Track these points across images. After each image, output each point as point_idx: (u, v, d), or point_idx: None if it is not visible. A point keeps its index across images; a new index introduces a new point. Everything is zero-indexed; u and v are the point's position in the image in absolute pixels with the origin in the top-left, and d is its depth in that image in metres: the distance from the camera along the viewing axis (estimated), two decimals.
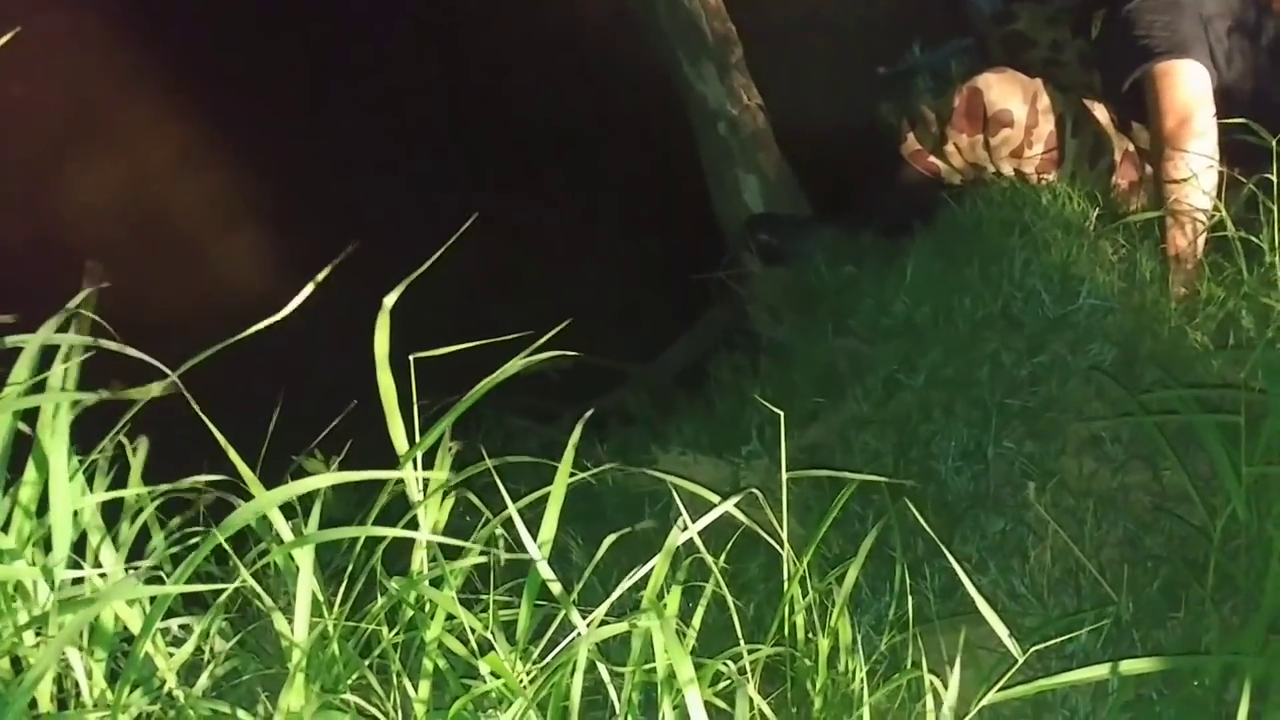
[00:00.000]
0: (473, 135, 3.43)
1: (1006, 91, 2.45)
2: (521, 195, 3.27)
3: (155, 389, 1.22)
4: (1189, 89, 2.23)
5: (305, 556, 1.23)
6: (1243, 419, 1.32)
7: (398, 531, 1.20)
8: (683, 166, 2.94)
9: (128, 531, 1.33)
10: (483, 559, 1.23)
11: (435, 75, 3.49)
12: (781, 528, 1.32)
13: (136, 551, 1.34)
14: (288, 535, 1.25)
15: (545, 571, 1.23)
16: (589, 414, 1.47)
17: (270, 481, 1.32)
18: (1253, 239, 2.15)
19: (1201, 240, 2.24)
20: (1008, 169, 2.52)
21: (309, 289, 1.25)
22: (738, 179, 2.85)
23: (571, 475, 1.28)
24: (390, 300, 1.22)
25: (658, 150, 3.13)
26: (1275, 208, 2.10)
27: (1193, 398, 1.51)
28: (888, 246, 2.53)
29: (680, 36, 2.89)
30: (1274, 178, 2.06)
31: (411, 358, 1.21)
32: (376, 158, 3.47)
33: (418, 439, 1.25)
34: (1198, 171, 2.20)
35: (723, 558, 1.34)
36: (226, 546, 1.19)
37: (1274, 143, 2.05)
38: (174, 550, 1.29)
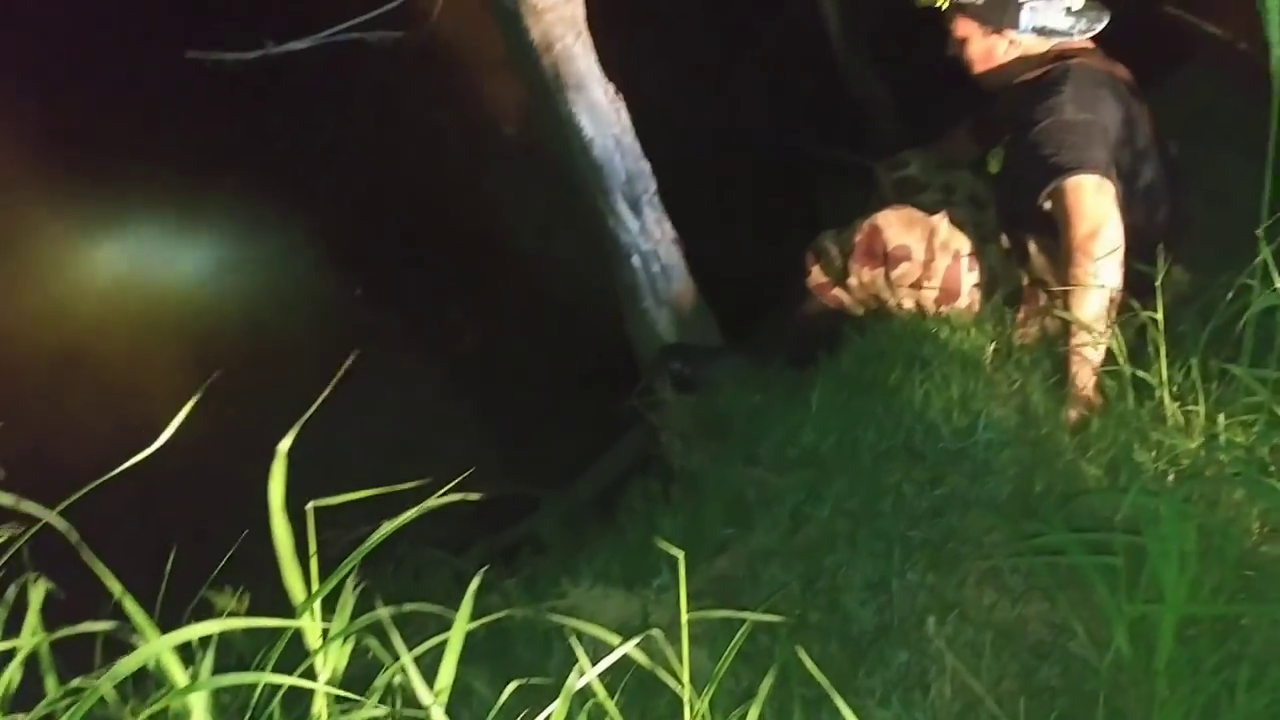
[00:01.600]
0: (394, 255, 3.46)
1: (904, 228, 2.58)
2: (442, 316, 3.30)
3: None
4: (1100, 202, 2.33)
5: (200, 701, 1.21)
6: (1121, 561, 1.38)
7: (293, 680, 1.19)
8: (602, 295, 2.99)
9: (16, 678, 1.29)
10: (381, 710, 1.22)
11: (359, 206, 3.54)
12: (683, 666, 1.33)
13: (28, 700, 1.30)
14: (181, 680, 1.23)
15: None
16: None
17: (176, 616, 1.30)
18: (1140, 373, 2.25)
19: (1099, 359, 2.34)
20: (909, 301, 2.62)
21: (180, 417, 1.25)
22: (650, 311, 2.91)
23: (476, 618, 1.28)
24: (284, 445, 1.22)
25: (580, 278, 3.19)
26: (1162, 344, 2.21)
27: (1078, 541, 1.56)
28: (795, 376, 2.60)
29: (594, 173, 2.97)
30: (1157, 315, 2.18)
31: (309, 506, 1.21)
32: (295, 282, 3.49)
33: (316, 585, 1.24)
34: (1105, 282, 2.30)
35: (628, 698, 1.35)
36: (113, 694, 1.17)
37: (1160, 276, 2.17)
38: (67, 701, 1.26)
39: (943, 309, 2.60)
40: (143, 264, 3.47)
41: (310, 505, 1.20)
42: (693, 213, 3.05)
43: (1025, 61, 2.57)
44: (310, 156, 3.48)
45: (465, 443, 3.08)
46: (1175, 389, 2.21)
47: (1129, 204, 2.40)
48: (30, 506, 1.17)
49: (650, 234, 2.97)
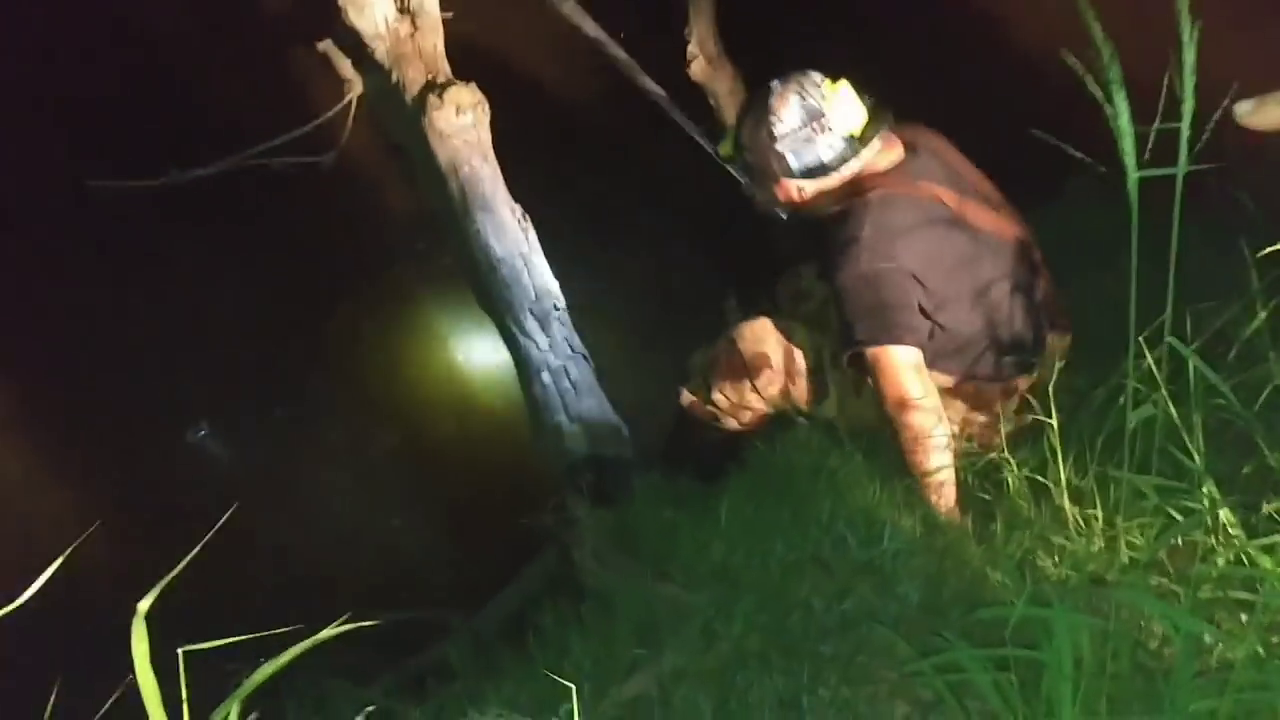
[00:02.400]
0: (298, 374, 3.43)
1: (759, 336, 2.63)
2: (350, 437, 3.27)
3: None
4: (901, 370, 2.35)
5: None
6: (1014, 677, 1.38)
7: None
8: (510, 413, 2.99)
9: None
10: None
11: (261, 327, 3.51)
12: None
13: None
14: None
15: None
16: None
17: None
18: (1039, 478, 2.29)
19: (952, 494, 2.39)
20: (782, 404, 2.65)
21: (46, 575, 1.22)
22: (562, 426, 2.91)
23: None
24: (144, 606, 1.18)
25: (489, 396, 3.19)
26: (1058, 447, 2.25)
27: (978, 657, 1.57)
28: (705, 490, 2.61)
29: (503, 290, 2.99)
30: (1053, 421, 2.23)
31: (180, 651, 1.18)
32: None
33: None
34: (926, 440, 2.35)
35: None
36: None
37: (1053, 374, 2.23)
38: None
39: (816, 407, 2.64)
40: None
41: (181, 650, 1.17)
42: (602, 327, 3.08)
43: (828, 196, 2.47)
44: (217, 277, 3.46)
45: (376, 563, 3.02)
46: (1074, 491, 2.26)
47: (974, 309, 2.39)
48: None
49: (560, 349, 2.99)
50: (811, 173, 2.42)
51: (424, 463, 3.29)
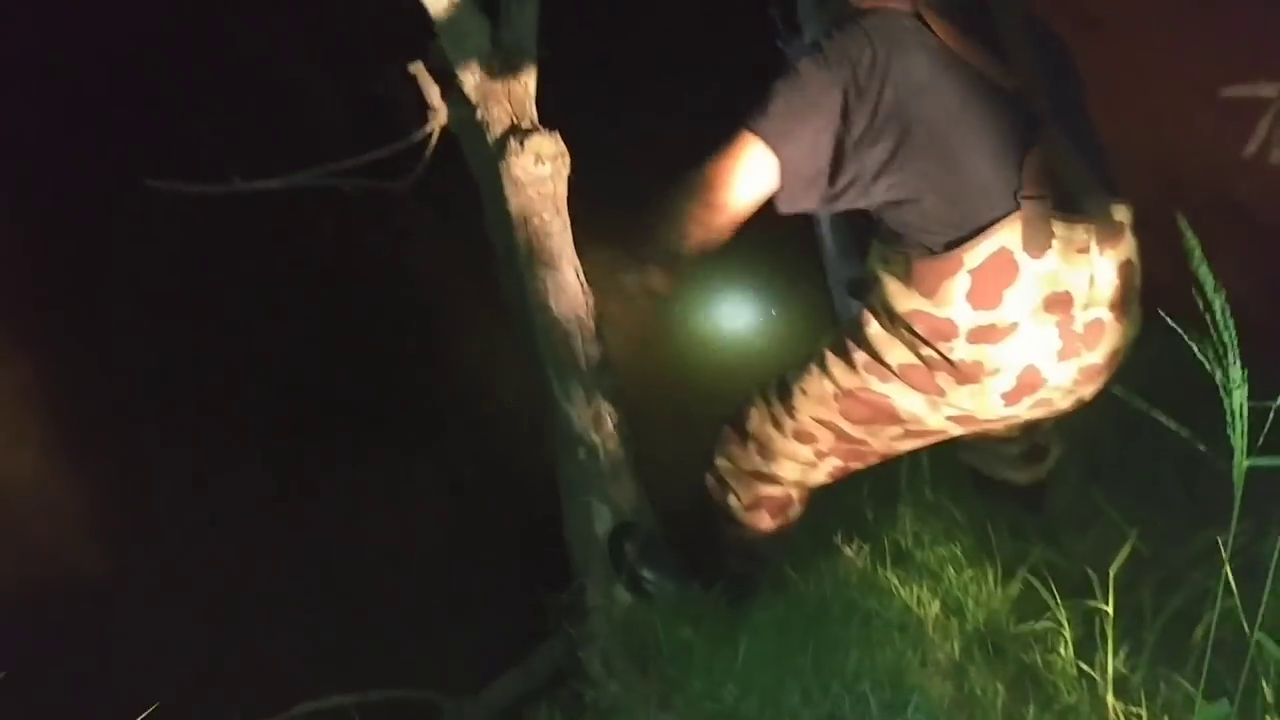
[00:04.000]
0: (329, 410, 3.34)
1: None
2: (374, 489, 3.16)
3: None
4: (735, 161, 2.09)
5: None
6: None
7: None
8: (541, 485, 2.85)
9: None
10: None
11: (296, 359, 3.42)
12: None
13: None
14: None
15: None
16: None
17: None
18: (1083, 665, 2.11)
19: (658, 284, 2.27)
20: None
21: None
22: (591, 506, 2.77)
23: None
24: None
25: (519, 461, 3.06)
26: (1110, 639, 2.07)
27: None
28: (729, 612, 2.45)
29: (553, 353, 2.86)
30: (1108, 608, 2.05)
31: None
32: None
33: None
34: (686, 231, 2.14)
35: None
36: None
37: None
38: None
39: None
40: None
41: None
42: (648, 409, 2.94)
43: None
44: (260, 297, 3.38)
45: (374, 630, 2.91)
46: (1120, 682, 2.08)
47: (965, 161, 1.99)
48: None
49: (602, 425, 2.85)
50: None
51: (440, 523, 3.17)
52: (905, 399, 2.15)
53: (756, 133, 2.06)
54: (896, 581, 2.44)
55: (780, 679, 2.16)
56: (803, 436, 2.31)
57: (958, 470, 2.69)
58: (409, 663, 2.76)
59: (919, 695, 2.11)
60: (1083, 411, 2.24)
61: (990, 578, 2.41)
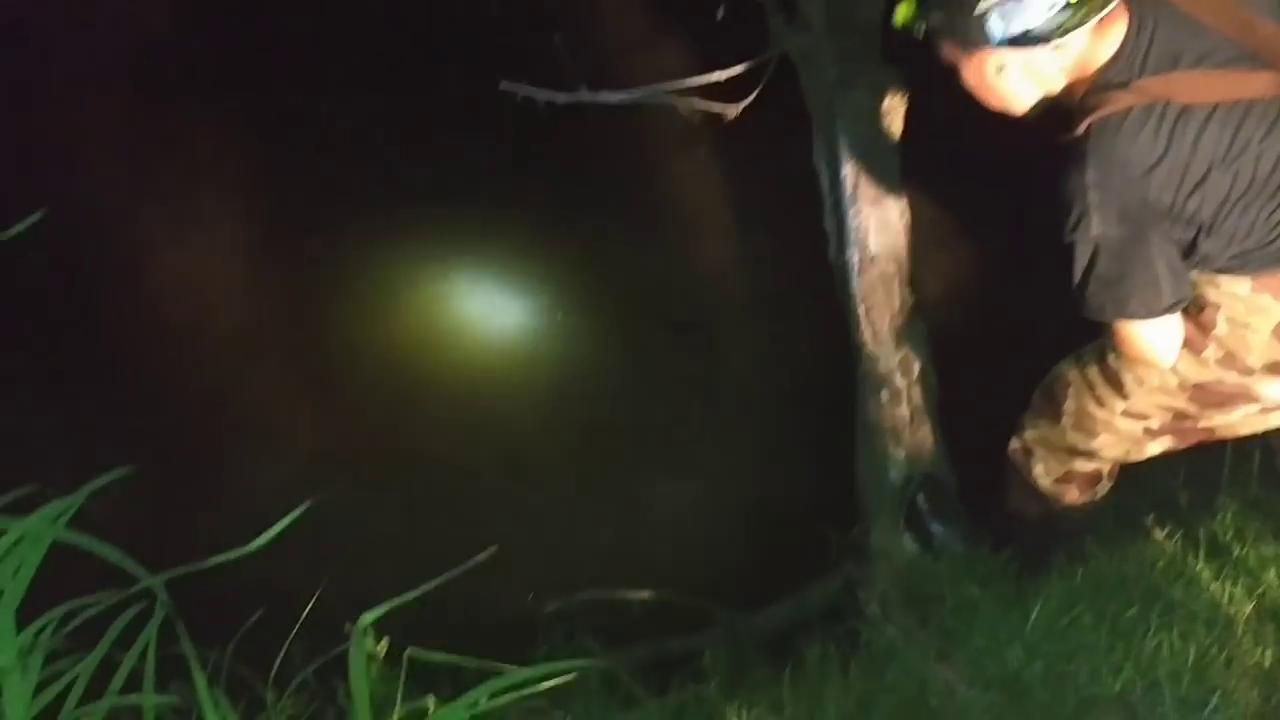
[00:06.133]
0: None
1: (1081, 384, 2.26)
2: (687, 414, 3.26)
3: None
4: (1136, 344, 2.02)
5: None
6: None
7: None
8: (839, 425, 2.83)
9: None
10: None
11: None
12: None
13: None
14: None
15: None
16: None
17: None
18: None
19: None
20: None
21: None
22: (887, 451, 2.73)
23: None
24: (368, 619, 1.15)
25: (822, 401, 3.06)
26: None
27: None
28: (1020, 578, 2.37)
29: (865, 293, 2.82)
30: None
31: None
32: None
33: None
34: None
35: None
36: None
37: None
38: None
39: None
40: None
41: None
42: (958, 357, 2.85)
43: (1029, 84, 1.97)
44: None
45: (659, 537, 3.00)
46: None
47: (1246, 204, 1.87)
48: None
49: (908, 370, 2.80)
50: (1017, 41, 1.89)
51: (736, 452, 3.21)
52: (1266, 386, 2.02)
53: (1112, 318, 1.97)
54: (1209, 574, 2.29)
55: (1069, 652, 2.07)
56: (1134, 415, 2.18)
57: None
58: (693, 571, 2.84)
59: (1220, 697, 1.98)
60: None
61: None
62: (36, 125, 3.46)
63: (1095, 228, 1.87)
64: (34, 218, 1.60)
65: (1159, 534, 2.41)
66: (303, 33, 3.58)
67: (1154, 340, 1.99)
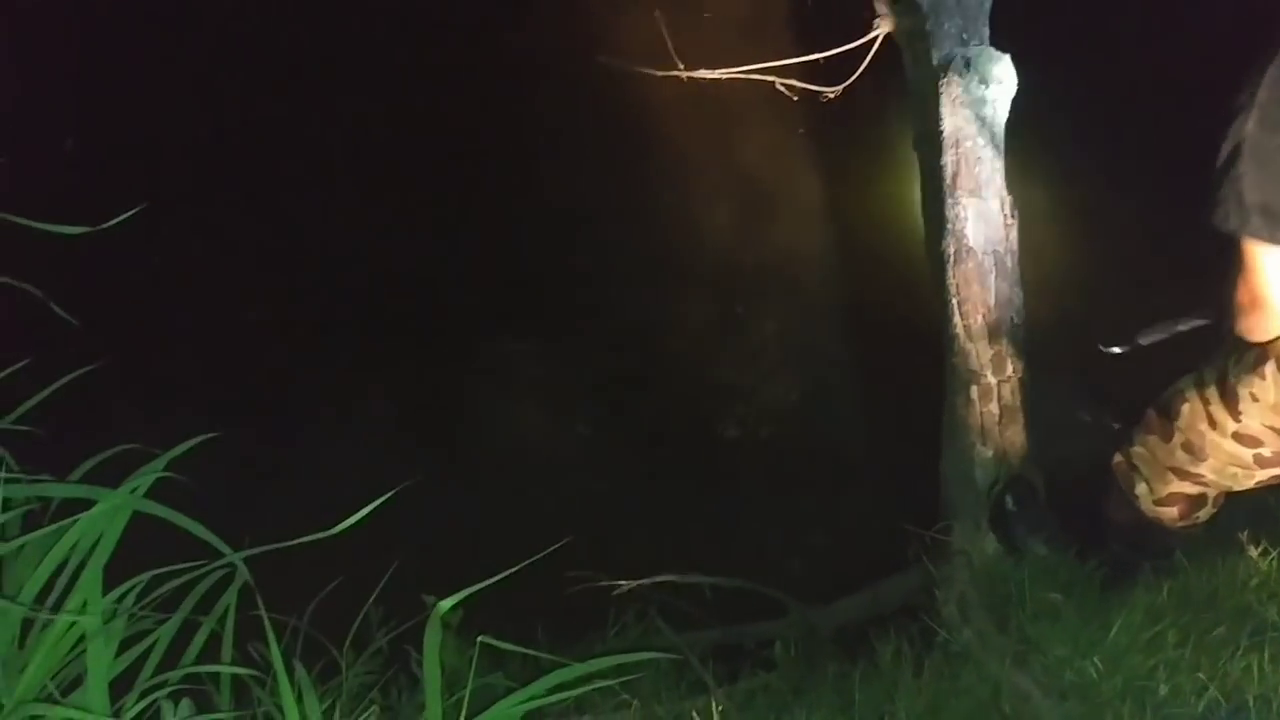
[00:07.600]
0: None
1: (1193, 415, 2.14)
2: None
3: None
4: (1260, 275, 1.82)
5: None
6: None
7: None
8: (925, 422, 2.78)
9: None
10: None
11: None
12: None
13: None
14: None
15: None
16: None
17: None
18: None
19: None
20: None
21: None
22: (974, 449, 2.67)
23: None
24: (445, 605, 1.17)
25: (910, 397, 3.01)
26: None
27: None
28: (1104, 584, 2.31)
29: (960, 285, 2.75)
30: None
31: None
32: None
33: None
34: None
35: None
36: None
37: None
38: None
39: None
40: None
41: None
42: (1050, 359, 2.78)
43: None
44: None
45: (736, 526, 2.99)
46: None
47: None
48: None
49: (998, 368, 2.73)
50: None
51: (824, 442, 3.18)
52: None
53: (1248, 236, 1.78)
54: None
55: (1151, 667, 2.02)
56: (1245, 440, 2.08)
57: None
58: (768, 560, 2.83)
59: None
60: None
61: None
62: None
63: (1250, 123, 1.73)
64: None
65: (1253, 551, 2.33)
66: None
67: (1272, 275, 1.81)
